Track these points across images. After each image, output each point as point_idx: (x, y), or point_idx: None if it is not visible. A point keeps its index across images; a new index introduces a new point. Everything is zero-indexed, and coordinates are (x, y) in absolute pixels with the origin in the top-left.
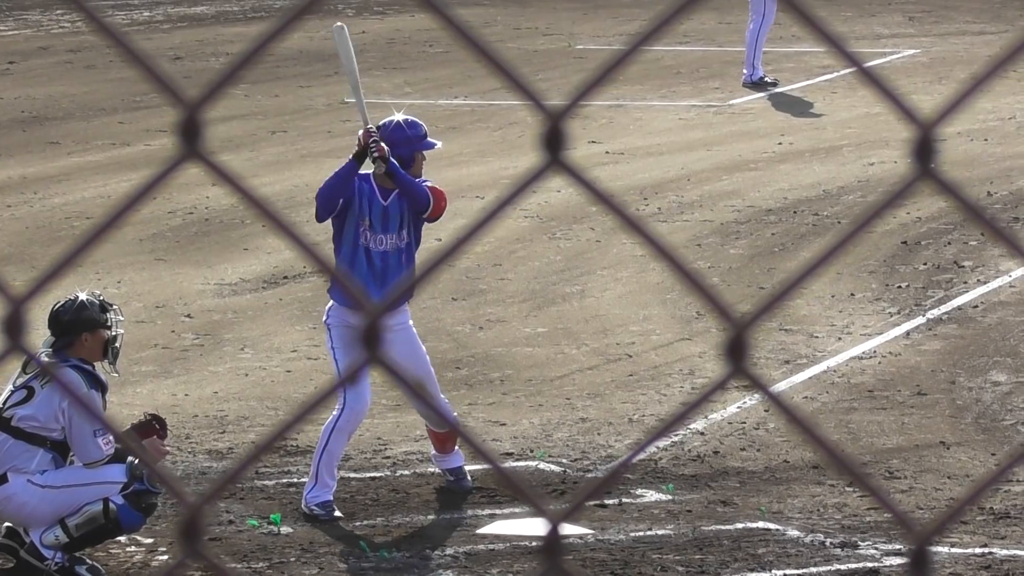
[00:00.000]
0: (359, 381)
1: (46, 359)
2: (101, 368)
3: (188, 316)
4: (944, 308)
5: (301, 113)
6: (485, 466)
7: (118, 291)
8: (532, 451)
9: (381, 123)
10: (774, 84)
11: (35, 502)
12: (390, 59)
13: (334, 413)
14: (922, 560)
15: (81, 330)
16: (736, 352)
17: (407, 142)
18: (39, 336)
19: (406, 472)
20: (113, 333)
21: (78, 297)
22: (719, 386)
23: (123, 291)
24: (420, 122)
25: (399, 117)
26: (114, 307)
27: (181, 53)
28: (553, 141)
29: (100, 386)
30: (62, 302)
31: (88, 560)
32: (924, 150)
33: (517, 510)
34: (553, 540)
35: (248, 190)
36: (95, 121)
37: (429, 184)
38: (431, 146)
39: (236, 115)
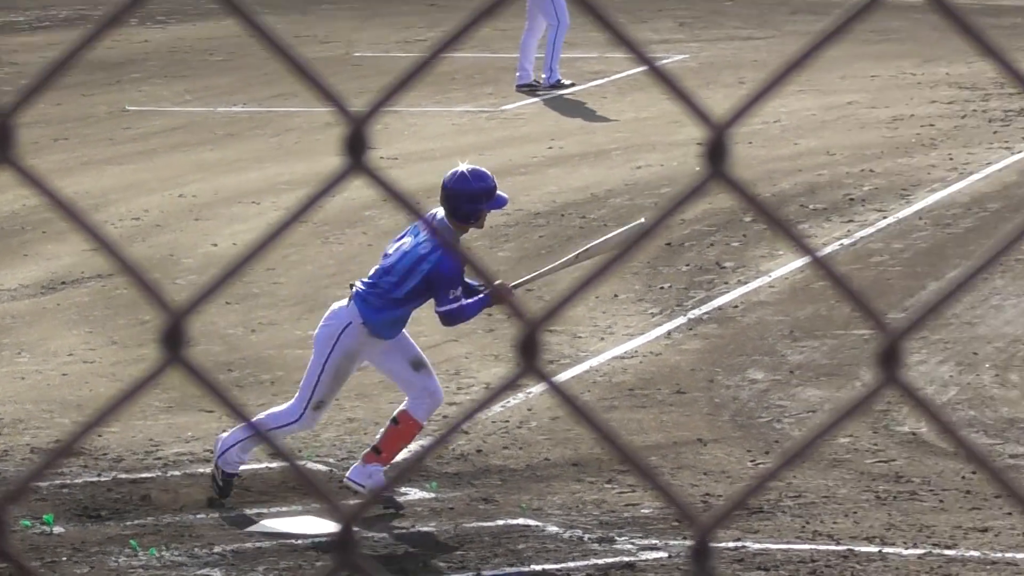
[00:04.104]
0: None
1: None
2: None
3: None
4: (705, 308)
5: (83, 121)
6: (261, 465)
7: None
8: (300, 451)
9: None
10: (571, 85)
11: None
12: (171, 67)
13: (291, 424)
14: (704, 552)
15: None
16: (528, 351)
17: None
18: None
19: (177, 473)
20: None
21: None
22: (511, 383)
23: None
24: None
25: (464, 167)
26: None
27: None
28: (355, 145)
29: None
30: None
31: None
32: (717, 151)
33: (283, 509)
34: (347, 536)
35: (61, 197)
36: None
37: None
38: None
39: (19, 123)
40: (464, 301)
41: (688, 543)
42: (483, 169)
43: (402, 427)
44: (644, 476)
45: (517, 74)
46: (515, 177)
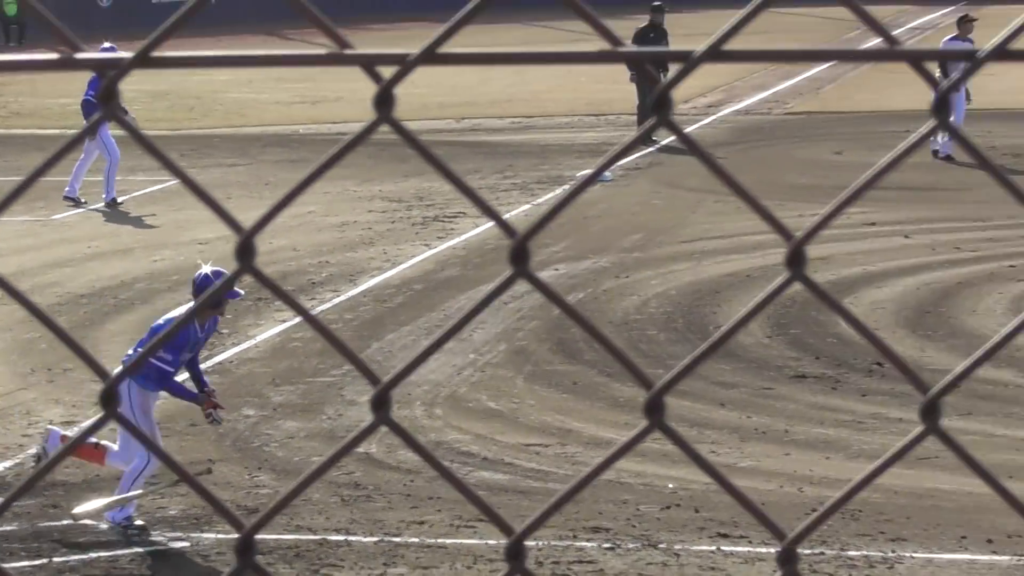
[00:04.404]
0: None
1: None
2: None
3: None
4: (209, 363)
5: None
6: None
7: None
8: None
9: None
10: (122, 202)
11: None
12: None
13: (148, 466)
14: (247, 548)
15: None
16: (106, 401)
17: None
18: None
19: None
20: None
21: None
22: (94, 428)
23: None
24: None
25: (207, 269)
26: None
27: None
28: None
29: None
30: None
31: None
32: (246, 250)
33: None
34: None
35: None
36: None
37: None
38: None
39: None
40: (176, 378)
41: (227, 537)
42: (223, 270)
43: (96, 451)
44: (198, 491)
45: (66, 189)
46: (63, 269)
